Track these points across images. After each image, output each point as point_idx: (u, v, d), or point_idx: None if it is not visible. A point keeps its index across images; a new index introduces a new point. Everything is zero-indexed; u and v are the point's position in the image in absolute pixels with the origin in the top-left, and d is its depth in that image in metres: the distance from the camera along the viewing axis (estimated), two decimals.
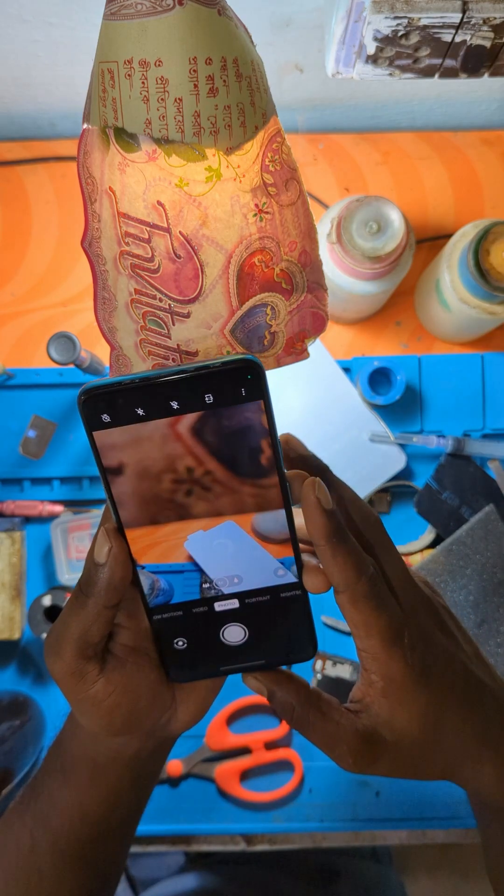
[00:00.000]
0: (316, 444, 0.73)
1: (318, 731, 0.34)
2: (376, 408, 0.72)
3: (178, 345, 0.53)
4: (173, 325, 0.51)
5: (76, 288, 0.77)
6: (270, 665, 0.37)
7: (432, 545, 0.74)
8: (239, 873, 0.79)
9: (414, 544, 0.73)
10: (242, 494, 0.34)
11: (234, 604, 0.35)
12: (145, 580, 0.35)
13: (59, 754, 0.40)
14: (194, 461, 0.33)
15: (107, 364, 0.71)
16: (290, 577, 0.35)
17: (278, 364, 0.56)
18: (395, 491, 0.75)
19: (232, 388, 0.31)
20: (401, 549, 0.73)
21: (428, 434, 0.73)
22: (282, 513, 0.34)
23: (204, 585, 0.35)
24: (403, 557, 0.74)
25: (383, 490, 0.74)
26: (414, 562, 0.72)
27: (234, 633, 0.36)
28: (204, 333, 0.52)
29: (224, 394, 0.31)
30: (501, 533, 0.71)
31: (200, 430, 0.32)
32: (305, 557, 0.35)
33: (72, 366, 0.65)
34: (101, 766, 0.38)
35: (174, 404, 0.31)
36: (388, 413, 0.73)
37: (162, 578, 0.35)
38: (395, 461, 0.72)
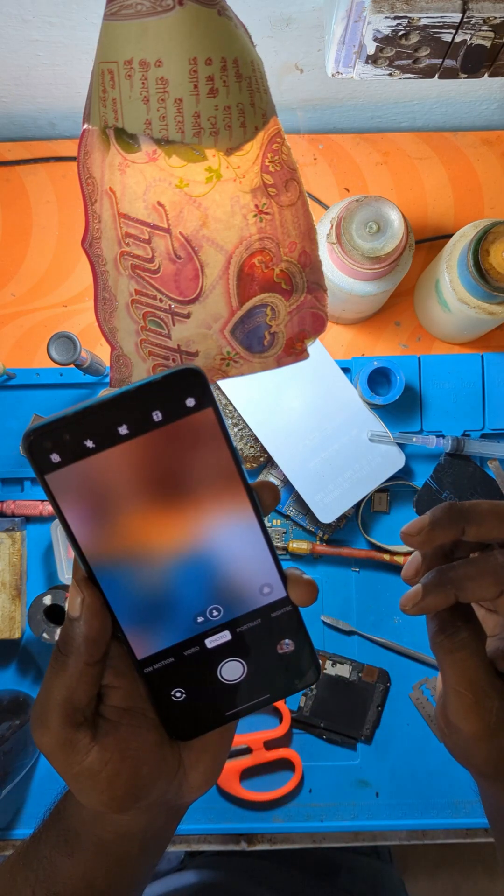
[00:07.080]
0: (316, 445, 0.73)
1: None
2: (376, 408, 0.72)
3: (178, 345, 0.53)
4: (174, 325, 0.51)
5: (77, 288, 0.77)
6: (276, 698, 0.35)
7: None
8: (239, 866, 0.79)
9: None
10: (210, 509, 0.32)
11: (225, 636, 0.33)
12: None
13: (60, 827, 0.37)
14: (156, 485, 0.31)
15: (107, 364, 0.71)
16: (278, 594, 0.33)
17: (278, 364, 0.56)
18: (395, 490, 0.75)
19: (178, 399, 0.29)
20: (399, 549, 0.73)
21: (427, 434, 0.73)
22: (254, 524, 0.32)
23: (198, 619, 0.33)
24: (403, 557, 0.74)
25: (383, 489, 0.74)
26: None
27: (232, 670, 0.34)
28: (204, 334, 0.52)
29: (171, 407, 0.29)
30: None
31: (155, 450, 0.30)
32: (286, 567, 0.34)
33: (72, 366, 0.65)
34: (108, 843, 0.35)
35: (122, 429, 0.29)
36: (388, 413, 0.73)
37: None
38: (395, 461, 0.72)
